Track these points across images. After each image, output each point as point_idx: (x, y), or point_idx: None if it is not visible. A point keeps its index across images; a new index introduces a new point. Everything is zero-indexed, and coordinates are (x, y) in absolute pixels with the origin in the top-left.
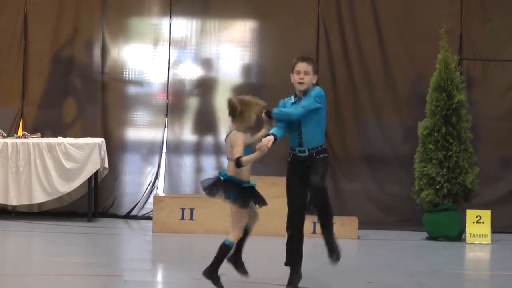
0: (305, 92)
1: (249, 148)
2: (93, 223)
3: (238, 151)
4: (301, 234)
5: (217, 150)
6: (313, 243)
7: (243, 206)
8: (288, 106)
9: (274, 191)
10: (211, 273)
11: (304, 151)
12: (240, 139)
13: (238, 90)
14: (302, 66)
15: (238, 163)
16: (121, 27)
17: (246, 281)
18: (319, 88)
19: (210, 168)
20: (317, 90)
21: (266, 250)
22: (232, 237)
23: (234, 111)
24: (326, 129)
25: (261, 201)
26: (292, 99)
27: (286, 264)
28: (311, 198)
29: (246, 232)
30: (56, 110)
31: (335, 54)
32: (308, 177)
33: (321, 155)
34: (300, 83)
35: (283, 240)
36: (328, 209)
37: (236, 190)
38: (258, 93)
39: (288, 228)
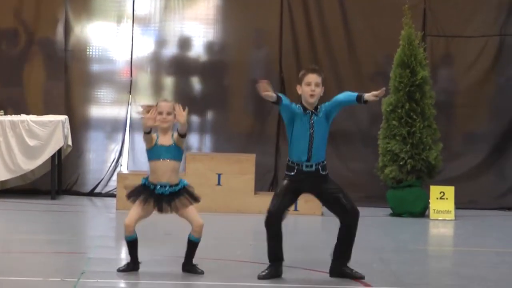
0: (315, 106)
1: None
2: (56, 200)
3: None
4: (280, 233)
5: None
6: None
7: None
8: (301, 120)
9: (238, 168)
10: (188, 265)
11: (311, 166)
12: None
13: (202, 67)
14: (313, 78)
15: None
16: (84, 4)
17: (210, 259)
18: None
19: None
20: None
21: (230, 227)
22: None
23: None
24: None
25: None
26: (298, 108)
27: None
28: (342, 221)
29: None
30: (19, 88)
31: (298, 31)
32: (317, 191)
33: (326, 172)
34: (312, 95)
35: (248, 217)
36: (354, 233)
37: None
38: (221, 70)
39: (270, 225)
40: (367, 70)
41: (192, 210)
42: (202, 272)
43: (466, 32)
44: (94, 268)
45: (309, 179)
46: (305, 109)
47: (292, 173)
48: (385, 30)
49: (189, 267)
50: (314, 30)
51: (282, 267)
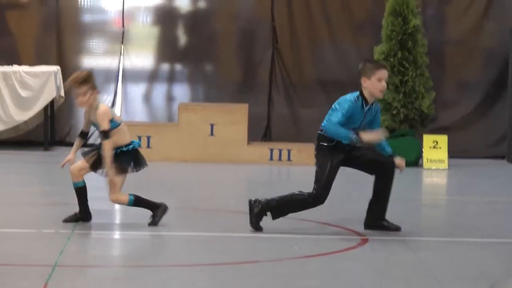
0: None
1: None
2: (49, 151)
3: (105, 125)
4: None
5: (172, 78)
6: (269, 170)
7: (120, 172)
8: (359, 113)
9: (231, 118)
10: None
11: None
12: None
13: (193, 16)
14: (385, 75)
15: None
16: None
17: (204, 209)
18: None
19: (165, 96)
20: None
21: (223, 178)
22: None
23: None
24: (282, 54)
25: (140, 163)
26: (359, 101)
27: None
28: (382, 176)
29: None
30: (10, 38)
31: None
32: (351, 158)
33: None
34: (382, 91)
35: (240, 167)
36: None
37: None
38: (213, 19)
39: (315, 200)
40: (359, 18)
41: (116, 181)
42: None
43: None
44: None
45: (346, 148)
46: (365, 101)
47: (332, 144)
48: None
49: None
50: None
51: None
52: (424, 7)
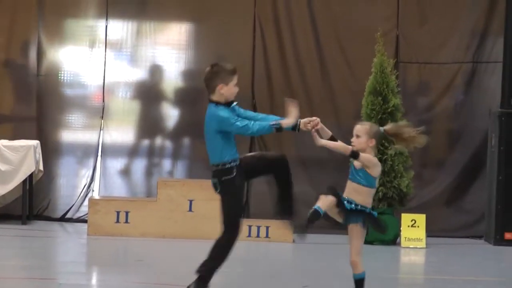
0: None
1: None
2: (27, 225)
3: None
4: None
5: (151, 153)
6: (247, 246)
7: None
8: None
9: (210, 194)
10: None
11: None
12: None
13: (174, 92)
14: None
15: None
16: (57, 29)
17: (182, 286)
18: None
19: (144, 171)
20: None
21: (201, 254)
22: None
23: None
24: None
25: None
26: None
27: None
28: None
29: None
30: None
31: (271, 56)
32: None
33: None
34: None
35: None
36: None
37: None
38: (194, 95)
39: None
40: (339, 96)
41: (356, 241)
42: None
43: (439, 59)
44: None
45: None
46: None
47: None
48: (358, 56)
49: None
50: (287, 56)
51: None
52: (405, 86)
